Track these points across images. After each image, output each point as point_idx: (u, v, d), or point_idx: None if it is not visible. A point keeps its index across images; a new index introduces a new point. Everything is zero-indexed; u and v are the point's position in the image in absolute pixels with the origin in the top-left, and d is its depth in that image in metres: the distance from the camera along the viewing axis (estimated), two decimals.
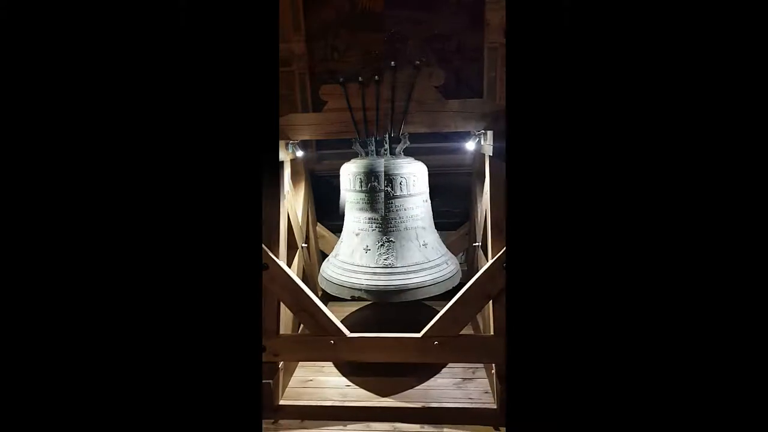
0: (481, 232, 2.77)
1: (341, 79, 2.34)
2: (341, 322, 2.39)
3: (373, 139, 2.53)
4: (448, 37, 3.31)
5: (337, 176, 2.73)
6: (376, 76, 2.32)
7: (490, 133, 2.40)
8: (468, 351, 2.35)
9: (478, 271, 2.91)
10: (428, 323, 2.30)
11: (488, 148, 2.40)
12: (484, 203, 2.63)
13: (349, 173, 2.62)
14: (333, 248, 2.92)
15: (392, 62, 2.35)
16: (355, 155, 2.70)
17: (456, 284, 2.65)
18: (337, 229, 3.28)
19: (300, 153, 2.82)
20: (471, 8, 3.11)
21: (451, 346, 2.30)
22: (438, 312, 2.34)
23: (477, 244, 2.85)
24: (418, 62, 2.38)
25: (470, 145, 2.67)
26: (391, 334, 2.33)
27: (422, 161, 2.67)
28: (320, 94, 2.42)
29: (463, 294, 2.29)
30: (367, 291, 2.47)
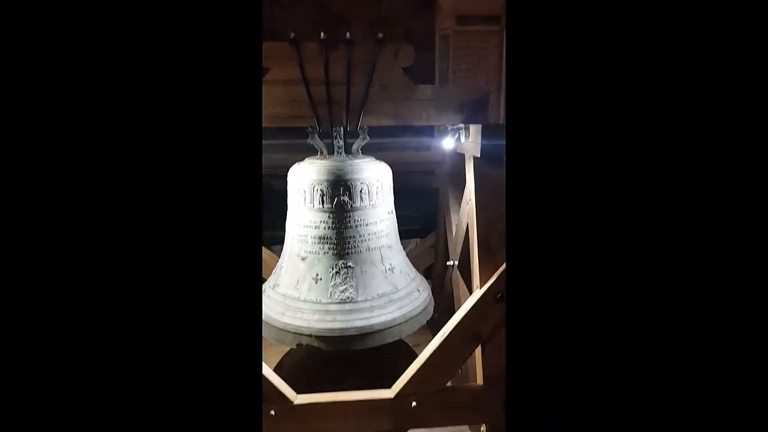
0: (458, 249, 2.26)
1: (292, 36, 1.67)
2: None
3: (341, 128, 1.85)
4: (396, 23, 2.78)
5: (276, 175, 2.08)
6: (348, 33, 1.68)
7: (473, 129, 1.89)
8: (456, 410, 1.82)
9: (451, 295, 2.42)
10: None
11: (472, 147, 1.89)
12: (464, 215, 2.12)
13: (295, 178, 1.99)
14: (271, 272, 2.26)
15: (347, 33, 1.76)
16: (305, 152, 2.05)
17: (430, 316, 2.12)
18: (276, 243, 2.62)
19: None
20: None
21: (433, 406, 1.76)
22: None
23: (452, 263, 2.34)
24: (380, 35, 1.81)
25: (448, 144, 2.13)
26: (352, 395, 1.75)
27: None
28: None
29: (447, 337, 1.76)
30: (318, 337, 1.86)
